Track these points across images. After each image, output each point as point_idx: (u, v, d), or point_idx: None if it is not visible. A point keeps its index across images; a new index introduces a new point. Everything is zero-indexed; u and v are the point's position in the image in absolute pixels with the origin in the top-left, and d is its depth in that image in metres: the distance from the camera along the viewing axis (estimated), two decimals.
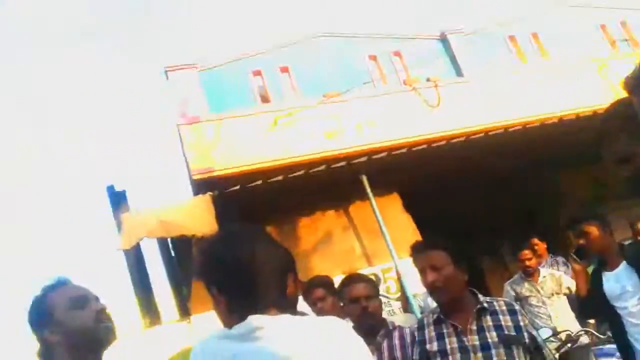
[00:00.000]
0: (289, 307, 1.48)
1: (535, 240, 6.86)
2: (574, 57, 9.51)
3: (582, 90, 8.39)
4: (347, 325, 1.50)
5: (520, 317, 2.48)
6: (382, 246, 6.56)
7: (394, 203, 7.14)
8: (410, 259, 2.59)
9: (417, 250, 2.60)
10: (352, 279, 3.08)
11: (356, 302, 2.88)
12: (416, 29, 10.82)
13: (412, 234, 6.53)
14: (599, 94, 8.22)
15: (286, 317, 1.38)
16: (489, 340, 2.39)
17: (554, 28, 10.80)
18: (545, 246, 6.78)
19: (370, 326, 2.84)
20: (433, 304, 4.86)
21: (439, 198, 7.56)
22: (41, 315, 1.78)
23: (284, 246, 1.61)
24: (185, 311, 6.70)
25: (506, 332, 2.41)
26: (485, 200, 8.08)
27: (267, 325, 1.33)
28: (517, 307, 2.56)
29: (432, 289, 2.50)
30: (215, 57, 9.89)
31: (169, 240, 7.07)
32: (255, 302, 1.39)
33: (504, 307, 2.51)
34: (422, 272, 2.52)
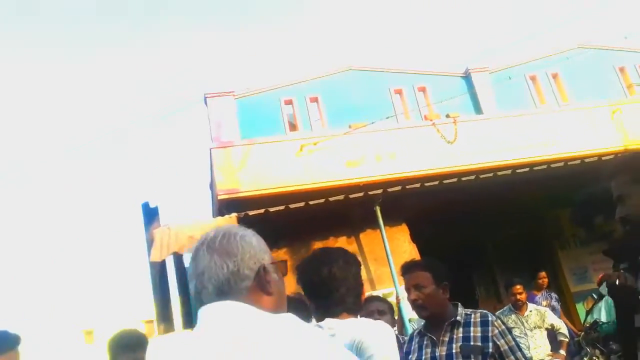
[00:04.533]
0: (358, 312, 2.00)
1: (542, 274, 7.37)
2: (589, 100, 9.83)
3: (593, 135, 8.74)
4: (390, 330, 1.96)
5: (490, 328, 2.65)
6: (386, 272, 7.02)
7: (402, 233, 7.60)
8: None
9: (404, 271, 2.88)
10: (371, 298, 3.58)
11: (370, 315, 3.25)
12: (442, 66, 11.19)
13: None
14: (608, 139, 8.56)
15: (351, 321, 1.89)
16: (453, 351, 2.64)
17: (575, 69, 11.14)
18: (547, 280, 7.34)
19: None
20: None
21: (444, 230, 7.99)
22: None
23: (360, 267, 2.11)
24: (189, 322, 7.27)
25: (472, 342, 2.62)
26: (488, 234, 8.47)
27: (336, 326, 1.86)
28: (491, 318, 2.72)
29: (415, 306, 2.80)
30: (251, 84, 10.56)
31: (184, 254, 7.64)
32: (333, 308, 1.94)
33: (478, 319, 2.71)
34: (407, 290, 2.85)
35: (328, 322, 1.89)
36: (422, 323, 5.75)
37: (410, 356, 2.88)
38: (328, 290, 1.96)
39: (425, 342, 2.81)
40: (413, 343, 2.92)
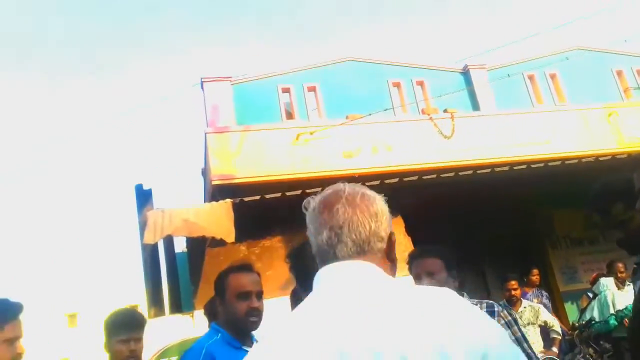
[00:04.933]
0: None
1: (535, 271, 7.41)
2: (586, 102, 9.87)
3: (589, 136, 8.77)
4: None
5: (496, 319, 2.59)
6: None
7: (397, 226, 7.54)
8: (405, 278, 2.87)
9: (414, 257, 2.79)
10: None
11: None
12: (440, 61, 11.17)
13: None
14: (605, 140, 8.59)
15: None
16: None
17: (573, 70, 11.18)
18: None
19: None
20: None
21: (439, 224, 7.98)
22: None
23: None
24: (178, 307, 7.21)
25: None
26: (482, 230, 8.47)
27: None
28: (497, 308, 2.68)
29: None
30: (249, 71, 10.50)
31: (174, 239, 7.56)
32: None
33: (484, 309, 2.65)
34: (418, 277, 2.72)
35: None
36: None
37: None
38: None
39: None
40: None
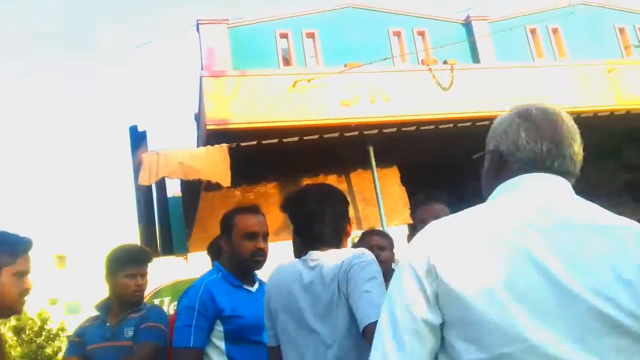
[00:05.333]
0: (339, 245, 2.07)
1: None
2: (587, 58, 9.76)
3: (589, 91, 8.71)
4: (371, 255, 2.03)
5: None
6: (373, 213, 7.02)
7: (392, 175, 7.56)
8: (397, 227, 2.89)
9: (419, 203, 2.78)
10: (370, 232, 3.47)
11: (370, 250, 3.27)
12: (443, 11, 10.95)
13: (404, 206, 7.02)
14: (604, 97, 8.54)
15: (333, 251, 2.00)
16: None
17: (575, 25, 11.02)
18: None
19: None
20: None
21: (435, 177, 7.99)
22: None
23: (345, 203, 2.17)
24: (169, 249, 7.24)
25: None
26: (477, 181, 8.51)
27: (320, 257, 1.98)
28: None
29: None
30: (246, 14, 10.26)
31: (166, 182, 7.54)
32: (315, 242, 2.04)
33: None
34: (423, 221, 2.59)
35: (312, 254, 2.00)
36: None
37: None
38: (308, 225, 2.06)
39: None
40: None
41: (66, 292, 32.47)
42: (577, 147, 1.23)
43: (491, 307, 1.02)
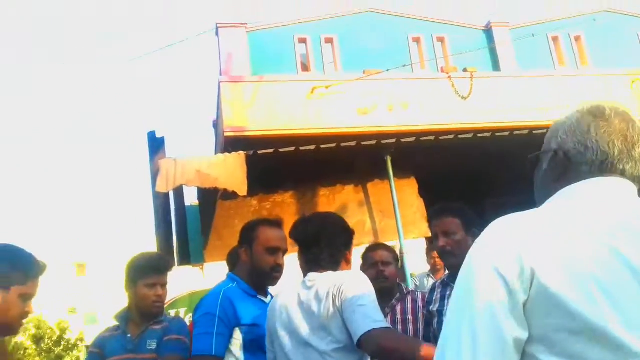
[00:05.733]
0: (336, 269, 2.19)
1: None
2: (610, 67, 9.59)
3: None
4: (364, 276, 2.15)
5: None
6: (391, 225, 6.94)
7: (410, 186, 7.46)
8: (415, 240, 2.88)
9: (432, 216, 2.75)
10: (374, 246, 3.44)
11: (374, 266, 3.22)
12: (463, 18, 10.82)
13: (421, 218, 6.93)
14: (627, 107, 8.38)
15: (329, 273, 2.14)
16: None
17: (599, 33, 10.83)
18: None
19: (385, 289, 3.14)
20: (429, 284, 5.27)
21: (454, 188, 7.89)
22: None
23: (344, 232, 2.32)
24: (186, 259, 7.21)
25: None
26: (500, 195, 8.39)
27: (317, 278, 2.14)
28: None
29: (443, 252, 2.64)
30: (265, 18, 10.24)
31: (184, 191, 7.52)
32: (313, 265, 2.22)
33: None
34: (435, 237, 2.68)
35: (310, 275, 2.18)
36: (424, 280, 5.71)
37: (431, 306, 2.81)
38: (307, 249, 2.25)
39: (448, 293, 2.69)
40: (435, 293, 2.83)
41: (85, 301, 32.47)
42: None
43: (596, 315, 0.91)
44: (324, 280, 2.11)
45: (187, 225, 8.06)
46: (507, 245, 0.97)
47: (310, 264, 2.23)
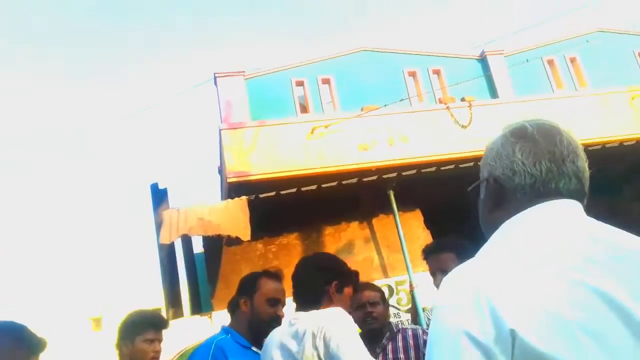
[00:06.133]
0: (319, 306, 2.20)
1: None
2: (608, 85, 9.59)
3: (612, 120, 8.52)
4: (346, 315, 2.17)
5: None
6: (399, 259, 6.87)
7: (415, 219, 7.43)
8: (425, 273, 2.82)
9: (427, 254, 2.70)
10: (362, 286, 3.27)
11: (362, 307, 3.12)
12: (457, 49, 10.94)
13: None
14: (629, 125, 8.34)
15: (314, 311, 2.16)
16: None
17: (594, 53, 10.88)
18: None
19: (373, 330, 3.07)
20: None
21: (459, 217, 7.82)
22: None
23: (326, 269, 2.31)
24: (198, 308, 7.15)
25: None
26: None
27: (301, 317, 2.17)
28: None
29: None
30: (262, 64, 10.40)
31: (192, 238, 7.51)
32: (299, 304, 2.27)
33: None
34: (433, 274, 2.63)
35: (295, 314, 2.22)
36: None
37: None
38: (293, 290, 2.30)
39: None
40: None
41: (102, 355, 32.20)
42: (582, 163, 1.07)
43: None
44: (306, 319, 2.12)
45: (196, 274, 8.03)
46: (476, 303, 0.87)
47: (297, 304, 2.28)
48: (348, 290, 2.31)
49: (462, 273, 0.96)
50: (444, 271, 2.51)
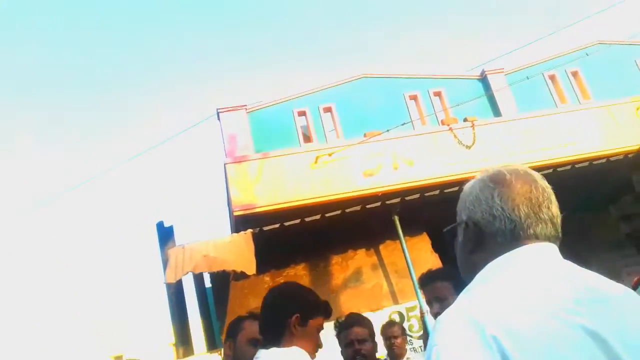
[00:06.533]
0: (280, 342, 2.05)
1: None
2: (612, 97, 9.52)
3: (618, 132, 8.43)
4: (303, 356, 2.02)
5: None
6: (408, 284, 6.78)
7: (423, 243, 7.35)
8: None
9: (422, 283, 2.71)
10: (347, 323, 3.28)
11: (350, 345, 3.12)
12: (457, 70, 10.96)
13: None
14: (633, 136, 8.24)
15: (274, 350, 2.01)
16: None
17: (595, 65, 10.84)
18: None
19: None
20: None
21: None
22: None
23: (287, 298, 2.17)
24: (212, 344, 7.08)
25: None
26: None
27: (262, 356, 2.03)
28: None
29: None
30: (263, 97, 10.47)
31: (203, 274, 7.49)
32: (262, 340, 2.12)
33: None
34: (429, 303, 2.64)
35: (258, 352, 2.09)
36: None
37: None
38: (259, 325, 2.21)
39: None
40: None
41: None
42: (555, 209, 1.13)
43: None
44: (265, 358, 2.02)
45: (209, 309, 7.98)
46: (482, 338, 0.91)
47: (262, 340, 2.15)
48: (315, 322, 2.11)
49: (461, 312, 0.99)
50: (441, 300, 2.53)
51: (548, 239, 1.09)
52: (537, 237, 1.08)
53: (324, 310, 2.18)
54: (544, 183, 1.14)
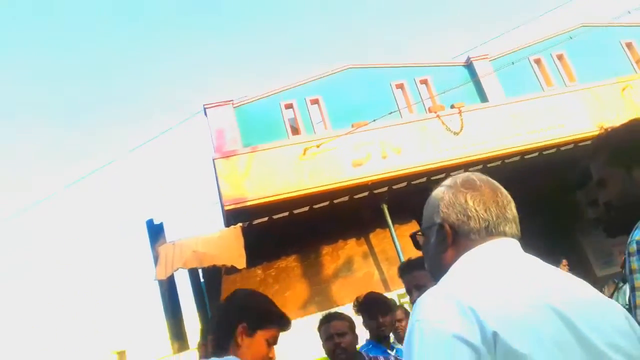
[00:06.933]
0: (227, 352, 1.92)
1: (565, 262, 7.17)
2: (598, 79, 9.55)
3: (604, 112, 8.46)
4: None
5: None
6: None
7: (412, 230, 7.36)
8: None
9: (402, 272, 2.72)
10: (328, 317, 3.30)
11: (330, 339, 3.14)
12: (442, 57, 10.96)
13: None
14: (621, 116, 8.27)
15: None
16: None
17: (580, 48, 10.86)
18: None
19: None
20: None
21: None
22: None
23: (236, 307, 2.03)
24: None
25: None
26: None
27: None
28: None
29: None
30: (250, 91, 10.44)
31: (198, 269, 7.48)
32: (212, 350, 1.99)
33: None
34: (409, 292, 2.66)
35: None
36: None
37: None
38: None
39: None
40: None
41: None
42: (515, 211, 1.26)
43: None
44: None
45: (206, 303, 7.99)
46: (461, 312, 1.01)
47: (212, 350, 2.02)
48: (265, 333, 1.97)
49: (440, 291, 1.10)
50: (420, 288, 2.53)
51: (513, 236, 1.23)
52: (505, 234, 1.21)
53: (278, 322, 2.03)
54: (504, 189, 1.28)
